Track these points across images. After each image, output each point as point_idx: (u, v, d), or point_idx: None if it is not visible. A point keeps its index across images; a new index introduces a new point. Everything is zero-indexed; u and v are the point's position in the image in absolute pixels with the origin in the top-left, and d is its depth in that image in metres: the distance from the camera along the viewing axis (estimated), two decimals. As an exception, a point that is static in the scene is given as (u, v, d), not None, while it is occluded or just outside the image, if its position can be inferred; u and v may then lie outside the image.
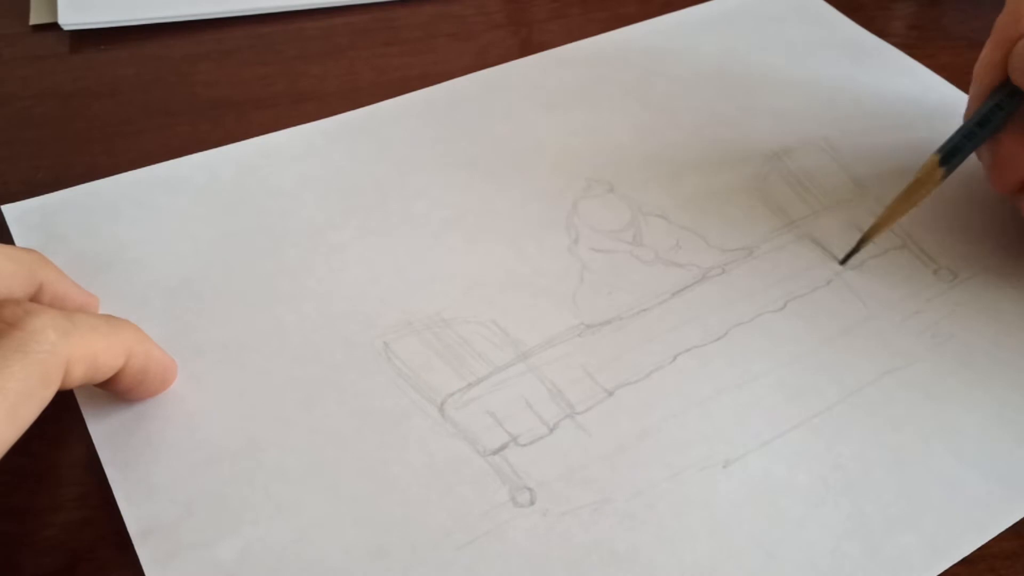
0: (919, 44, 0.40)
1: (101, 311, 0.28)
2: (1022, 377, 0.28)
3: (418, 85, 0.37)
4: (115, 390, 0.25)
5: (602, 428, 0.26)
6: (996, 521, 0.25)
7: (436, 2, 0.42)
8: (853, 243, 0.31)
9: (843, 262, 0.31)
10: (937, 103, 0.38)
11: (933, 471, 0.26)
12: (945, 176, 0.29)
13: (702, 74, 0.38)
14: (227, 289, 0.30)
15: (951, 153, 0.29)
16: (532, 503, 0.25)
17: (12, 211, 0.32)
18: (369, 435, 0.26)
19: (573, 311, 0.29)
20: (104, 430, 0.26)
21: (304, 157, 0.34)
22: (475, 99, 0.37)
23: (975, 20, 0.43)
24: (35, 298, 0.26)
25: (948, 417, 0.27)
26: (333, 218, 0.32)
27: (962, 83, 0.38)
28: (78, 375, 0.22)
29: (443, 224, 0.32)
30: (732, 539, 0.24)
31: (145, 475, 0.25)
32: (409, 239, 0.31)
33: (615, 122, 0.36)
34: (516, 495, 0.25)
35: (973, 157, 0.31)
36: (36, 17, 0.40)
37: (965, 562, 0.24)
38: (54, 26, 0.39)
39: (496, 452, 0.26)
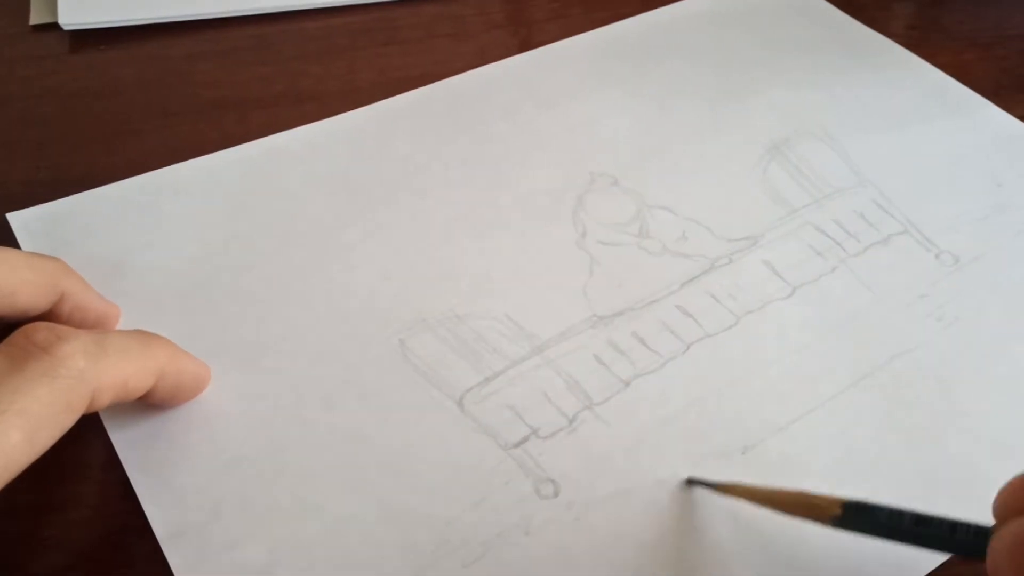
0: (919, 44, 0.41)
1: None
2: (1025, 357, 0.29)
3: (418, 85, 0.37)
4: (145, 403, 0.25)
5: (621, 419, 0.27)
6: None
7: (436, 2, 0.43)
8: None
9: (689, 482, 0.25)
10: (929, 88, 0.38)
11: (946, 452, 0.26)
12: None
13: (701, 68, 0.39)
14: (239, 292, 0.29)
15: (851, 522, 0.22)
16: (556, 495, 0.25)
17: (17, 219, 0.31)
18: (390, 432, 0.26)
19: (584, 304, 0.30)
20: (126, 436, 0.26)
21: (309, 158, 0.34)
22: (476, 96, 0.37)
23: (975, 20, 0.43)
24: (56, 307, 0.25)
25: (958, 398, 0.28)
26: (341, 218, 0.32)
27: (961, 82, 0.39)
28: (106, 401, 0.22)
29: (451, 221, 0.32)
30: (753, 525, 0.25)
31: (169, 479, 0.25)
32: (418, 237, 0.31)
33: (615, 116, 0.36)
34: (540, 487, 0.25)
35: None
36: (36, 17, 0.40)
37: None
38: (54, 26, 0.39)
39: (518, 445, 0.26)
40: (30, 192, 0.32)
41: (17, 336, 0.21)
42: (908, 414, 0.27)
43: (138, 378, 0.23)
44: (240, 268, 0.30)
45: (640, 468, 0.26)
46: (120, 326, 0.27)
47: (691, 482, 0.25)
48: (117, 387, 0.22)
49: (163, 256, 0.30)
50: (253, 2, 0.41)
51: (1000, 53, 0.41)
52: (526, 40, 0.41)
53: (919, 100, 0.38)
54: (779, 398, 0.27)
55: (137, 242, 0.31)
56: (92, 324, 0.27)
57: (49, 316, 0.26)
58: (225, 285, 0.30)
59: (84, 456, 0.25)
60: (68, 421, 0.21)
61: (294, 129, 0.35)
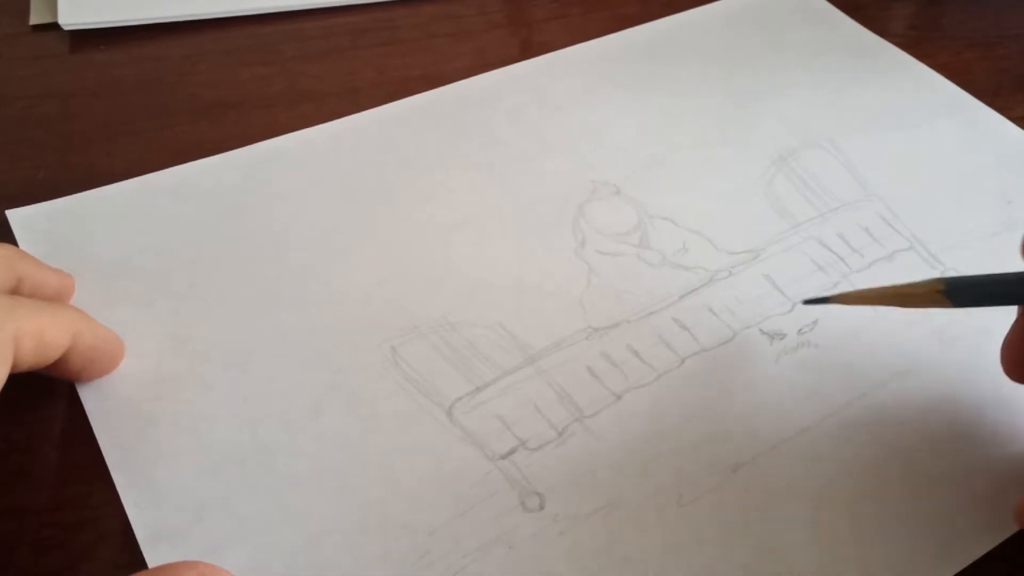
0: (919, 44, 0.41)
1: (107, 316, 0.28)
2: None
3: (418, 85, 0.37)
4: (68, 371, 0.26)
5: (611, 432, 0.26)
6: (1005, 525, 0.25)
7: (436, 2, 0.42)
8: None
9: (806, 302, 0.29)
10: (940, 102, 0.38)
11: (942, 474, 0.26)
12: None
13: (706, 76, 0.38)
14: (233, 294, 0.29)
15: (958, 294, 0.25)
16: (542, 508, 0.25)
17: (16, 216, 0.31)
18: (377, 440, 0.26)
19: (580, 314, 0.29)
20: (112, 436, 0.26)
21: (309, 161, 0.34)
22: (480, 102, 0.37)
23: (975, 20, 0.43)
24: (16, 291, 0.26)
25: (957, 420, 0.27)
26: (339, 222, 0.32)
27: (962, 82, 0.38)
28: (28, 350, 0.23)
29: (449, 227, 0.32)
30: (741, 543, 0.24)
31: (153, 481, 0.25)
32: (415, 242, 0.31)
33: (620, 125, 0.36)
34: (526, 500, 0.25)
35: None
36: (36, 17, 0.40)
37: (972, 566, 0.24)
38: (54, 26, 0.39)
39: (505, 456, 0.26)
40: (30, 192, 0.32)
41: None
42: (903, 435, 0.27)
43: (55, 330, 0.24)
44: (235, 271, 0.30)
45: (628, 483, 0.25)
46: (112, 325, 0.27)
47: (807, 302, 0.28)
48: (36, 336, 0.23)
49: (161, 257, 0.30)
50: (253, 2, 0.40)
51: (1000, 53, 0.41)
52: (526, 40, 0.40)
53: (928, 111, 0.37)
54: (772, 416, 0.27)
55: (135, 243, 0.31)
56: (52, 298, 0.27)
57: None
58: (219, 288, 0.29)
59: (85, 457, 0.25)
60: (1, 371, 0.22)
61: (295, 132, 0.35)
